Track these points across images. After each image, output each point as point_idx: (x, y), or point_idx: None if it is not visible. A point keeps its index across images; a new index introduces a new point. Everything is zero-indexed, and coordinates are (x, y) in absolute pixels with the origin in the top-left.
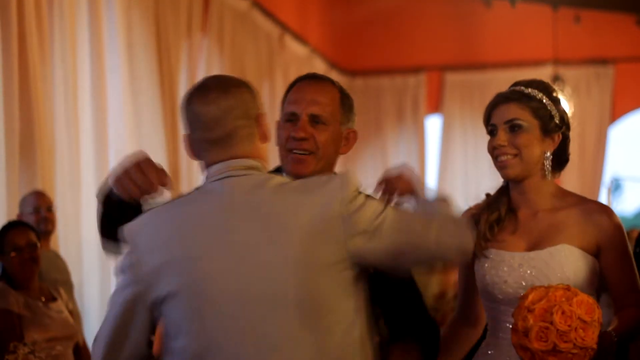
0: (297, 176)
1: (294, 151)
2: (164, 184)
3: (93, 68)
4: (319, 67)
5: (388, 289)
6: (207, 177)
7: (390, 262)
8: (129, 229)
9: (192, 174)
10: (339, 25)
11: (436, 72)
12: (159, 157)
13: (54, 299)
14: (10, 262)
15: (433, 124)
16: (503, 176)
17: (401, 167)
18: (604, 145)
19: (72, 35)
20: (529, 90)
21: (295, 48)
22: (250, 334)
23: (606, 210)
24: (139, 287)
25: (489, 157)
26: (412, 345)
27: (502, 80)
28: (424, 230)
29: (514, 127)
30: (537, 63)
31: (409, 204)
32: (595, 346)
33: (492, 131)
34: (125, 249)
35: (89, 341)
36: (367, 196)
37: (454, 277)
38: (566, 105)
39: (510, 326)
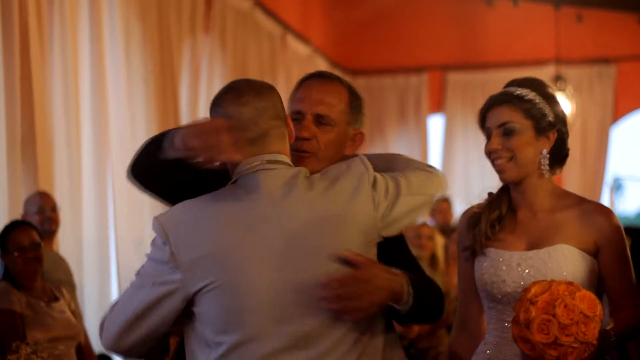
0: None
1: (296, 150)
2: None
3: (94, 68)
4: (321, 66)
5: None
6: (237, 172)
7: None
8: (166, 220)
9: None
10: (341, 25)
11: (438, 71)
12: None
13: (57, 299)
14: (14, 261)
15: (435, 124)
16: (501, 180)
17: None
18: (606, 145)
19: (74, 36)
20: (520, 91)
21: (298, 47)
22: (289, 325)
23: (605, 211)
24: (175, 276)
25: None
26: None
27: (505, 80)
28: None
29: (507, 130)
30: (539, 62)
31: None
32: (595, 342)
33: (487, 134)
34: (159, 238)
35: (90, 341)
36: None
37: (456, 278)
38: (562, 101)
39: (509, 326)
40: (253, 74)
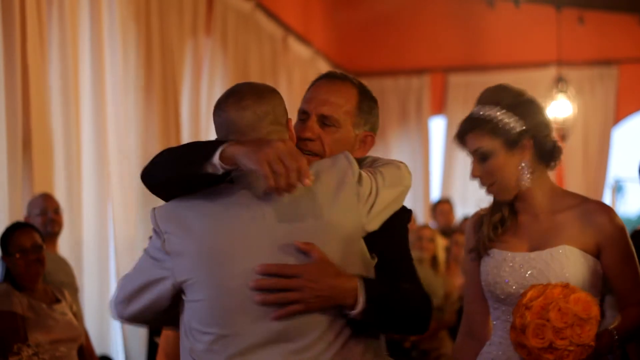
0: None
1: (301, 151)
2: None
3: (94, 69)
4: (323, 68)
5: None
6: (233, 172)
7: None
8: (160, 213)
9: None
10: (342, 27)
11: (440, 73)
12: None
13: (58, 301)
14: (15, 263)
15: (437, 126)
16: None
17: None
18: (607, 147)
19: (74, 37)
20: (483, 111)
21: (299, 49)
22: (269, 323)
23: (606, 209)
24: (167, 264)
25: None
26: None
27: (506, 81)
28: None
29: (481, 156)
30: (541, 64)
31: None
32: (592, 343)
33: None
34: (154, 228)
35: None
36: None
37: (458, 280)
38: (562, 102)
39: None
40: (254, 76)
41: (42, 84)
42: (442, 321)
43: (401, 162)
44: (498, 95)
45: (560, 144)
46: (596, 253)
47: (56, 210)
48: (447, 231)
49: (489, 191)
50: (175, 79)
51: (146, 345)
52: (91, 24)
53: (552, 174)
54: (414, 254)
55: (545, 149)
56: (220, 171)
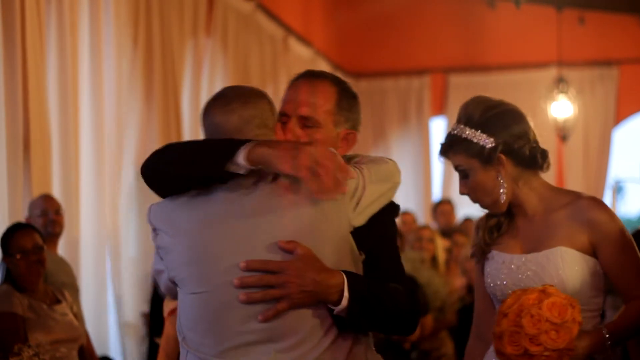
0: None
1: None
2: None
3: (93, 70)
4: (323, 69)
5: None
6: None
7: None
8: (154, 210)
9: None
10: (343, 28)
11: (440, 74)
12: None
13: (59, 302)
14: (16, 264)
15: (437, 126)
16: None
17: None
18: (607, 147)
19: (73, 37)
20: (456, 130)
21: (299, 50)
22: (256, 322)
23: (595, 206)
24: (163, 259)
25: None
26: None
27: (506, 82)
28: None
29: (462, 174)
30: (542, 64)
31: None
32: (571, 347)
33: None
34: (152, 227)
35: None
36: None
37: (459, 281)
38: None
39: None
40: (255, 77)
41: (42, 84)
42: (443, 321)
43: (390, 159)
44: (469, 112)
45: (543, 145)
46: (592, 252)
47: (57, 211)
48: (448, 232)
49: (480, 206)
50: (175, 80)
51: (146, 345)
52: (90, 25)
53: (551, 175)
54: (414, 254)
55: (524, 157)
56: (243, 171)
